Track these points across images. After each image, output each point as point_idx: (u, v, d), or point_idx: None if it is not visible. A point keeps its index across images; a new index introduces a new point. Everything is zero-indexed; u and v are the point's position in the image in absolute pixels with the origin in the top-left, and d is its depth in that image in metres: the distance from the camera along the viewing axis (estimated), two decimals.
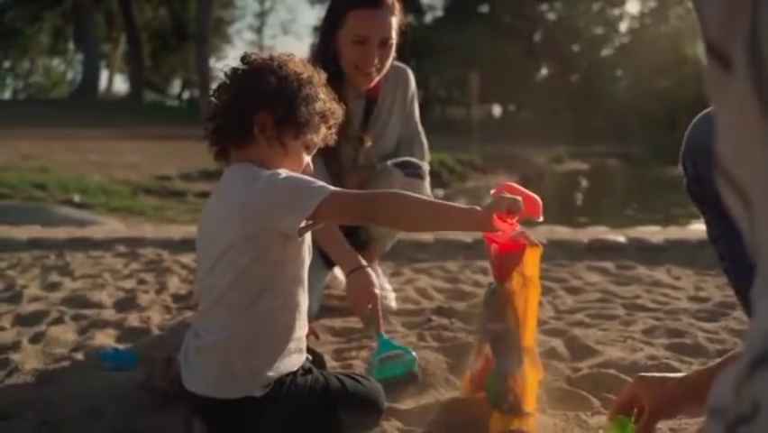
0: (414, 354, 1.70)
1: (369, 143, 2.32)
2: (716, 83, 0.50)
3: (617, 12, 43.84)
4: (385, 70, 2.23)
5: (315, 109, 1.30)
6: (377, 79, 2.24)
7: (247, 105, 1.27)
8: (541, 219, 1.26)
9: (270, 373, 1.26)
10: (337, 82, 2.15)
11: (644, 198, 11.37)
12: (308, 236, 1.31)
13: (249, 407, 1.25)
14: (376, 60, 2.14)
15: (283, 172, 1.25)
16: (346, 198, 1.23)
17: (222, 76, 1.32)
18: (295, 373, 1.31)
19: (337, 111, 1.36)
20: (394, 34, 2.16)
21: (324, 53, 2.17)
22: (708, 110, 1.31)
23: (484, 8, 40.17)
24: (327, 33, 2.19)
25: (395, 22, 2.15)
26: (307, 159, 1.36)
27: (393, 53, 2.20)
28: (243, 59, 1.32)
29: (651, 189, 13.14)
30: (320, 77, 1.35)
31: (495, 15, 39.37)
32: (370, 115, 2.35)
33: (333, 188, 1.22)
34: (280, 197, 1.21)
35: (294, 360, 1.31)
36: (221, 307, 1.26)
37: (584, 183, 14.81)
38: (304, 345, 1.35)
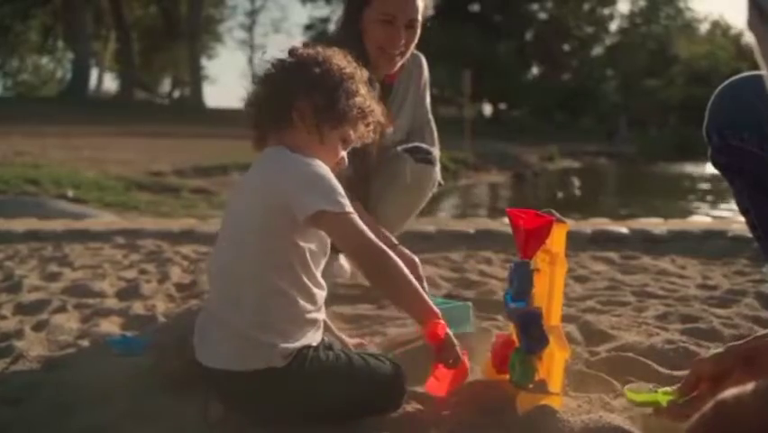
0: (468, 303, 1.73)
1: (389, 129, 2.29)
2: None
3: (607, 11, 44.07)
4: (408, 55, 2.20)
5: (355, 103, 1.34)
6: (399, 65, 2.20)
7: (289, 91, 1.31)
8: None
9: (290, 345, 1.23)
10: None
11: (641, 195, 11.41)
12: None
13: (271, 378, 1.22)
14: (402, 42, 2.11)
15: (313, 162, 1.28)
16: (353, 227, 1.25)
17: (269, 66, 1.36)
18: (316, 347, 1.28)
19: (376, 110, 1.39)
20: (419, 17, 2.13)
21: (349, 35, 2.13)
22: (728, 82, 1.29)
23: (475, 7, 40.23)
24: (352, 14, 2.16)
25: (421, 5, 2.12)
26: (343, 153, 1.38)
27: (416, 39, 2.17)
28: (291, 51, 1.37)
29: (645, 186, 13.19)
30: (362, 74, 1.39)
31: (486, 14, 39.43)
32: (387, 100, 2.32)
33: (347, 207, 1.25)
34: (299, 182, 1.25)
35: (313, 335, 1.29)
36: (233, 279, 1.28)
37: (579, 181, 14.85)
38: (321, 323, 1.34)
